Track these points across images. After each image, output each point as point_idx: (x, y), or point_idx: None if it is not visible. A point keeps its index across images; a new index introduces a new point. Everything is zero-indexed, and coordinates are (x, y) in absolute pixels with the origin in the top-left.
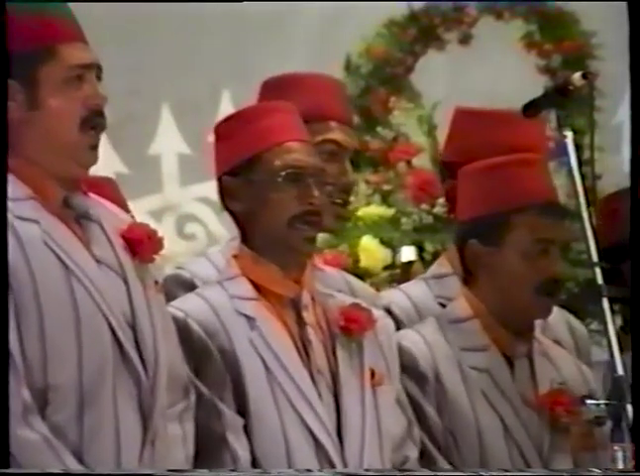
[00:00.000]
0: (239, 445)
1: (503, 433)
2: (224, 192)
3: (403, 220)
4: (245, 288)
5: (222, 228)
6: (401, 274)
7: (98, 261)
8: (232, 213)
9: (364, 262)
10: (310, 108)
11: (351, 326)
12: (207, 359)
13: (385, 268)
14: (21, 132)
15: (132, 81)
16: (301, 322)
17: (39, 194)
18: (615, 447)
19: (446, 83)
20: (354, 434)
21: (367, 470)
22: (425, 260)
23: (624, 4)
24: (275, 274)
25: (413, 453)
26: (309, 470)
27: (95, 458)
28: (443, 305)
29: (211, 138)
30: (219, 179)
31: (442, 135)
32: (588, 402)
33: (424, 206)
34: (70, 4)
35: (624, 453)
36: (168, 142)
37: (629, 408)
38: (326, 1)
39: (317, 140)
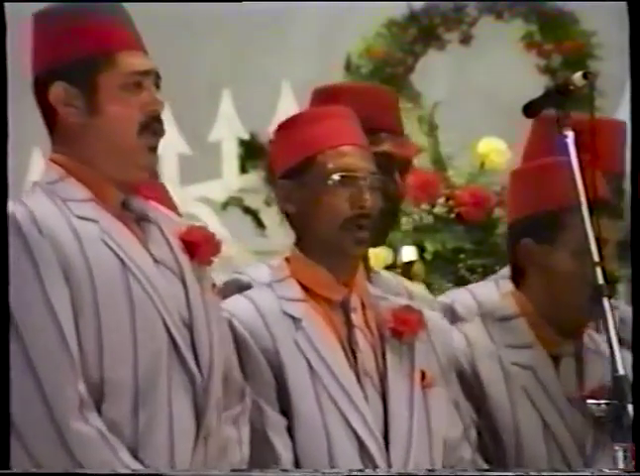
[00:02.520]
0: (281, 445)
1: (543, 432)
2: (279, 195)
3: (403, 220)
4: (293, 289)
5: (222, 228)
6: (402, 274)
7: (156, 260)
8: (287, 216)
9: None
10: (361, 119)
11: (401, 328)
12: (250, 359)
13: (386, 268)
14: (80, 137)
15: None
16: (349, 325)
17: (98, 197)
18: (616, 447)
19: (446, 83)
20: (400, 436)
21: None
22: (425, 260)
23: (624, 4)
24: (324, 277)
25: (468, 455)
26: (361, 470)
27: (149, 454)
28: None
29: (212, 138)
30: (276, 182)
31: (442, 135)
32: (589, 401)
33: (424, 206)
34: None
35: (625, 453)
36: (169, 142)
37: (630, 407)
38: (326, 1)
39: None
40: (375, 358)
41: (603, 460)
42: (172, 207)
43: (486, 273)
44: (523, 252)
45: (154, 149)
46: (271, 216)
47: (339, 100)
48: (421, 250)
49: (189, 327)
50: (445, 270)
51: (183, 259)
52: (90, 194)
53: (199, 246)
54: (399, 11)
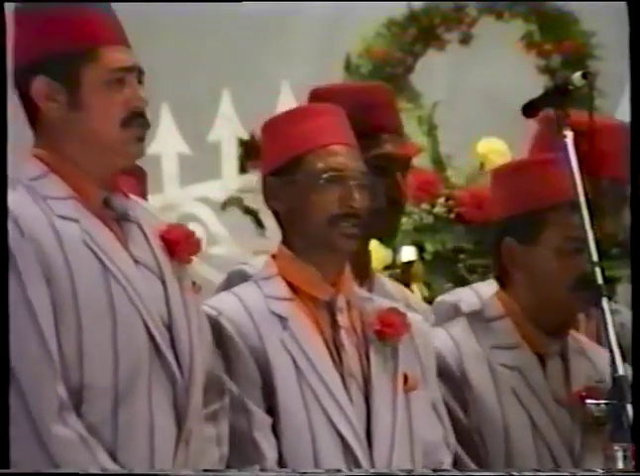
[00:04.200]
0: (266, 444)
1: (532, 432)
2: (267, 192)
3: (403, 220)
4: (280, 287)
5: (222, 228)
6: (401, 274)
7: (136, 261)
8: (275, 213)
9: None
10: (360, 121)
11: (385, 330)
12: (237, 357)
13: (386, 268)
14: (62, 132)
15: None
16: (335, 325)
17: (79, 194)
18: (615, 447)
19: (446, 83)
20: (383, 438)
21: (402, 470)
22: (425, 260)
23: (624, 4)
24: (312, 275)
25: (447, 458)
26: (338, 470)
27: (129, 457)
28: None
29: (212, 138)
30: (263, 179)
31: (442, 135)
32: (588, 401)
33: (424, 206)
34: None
35: (624, 453)
36: (168, 142)
37: (629, 407)
38: (326, 1)
39: (369, 155)
40: (360, 359)
41: (593, 461)
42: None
43: (486, 273)
44: (506, 252)
45: (140, 139)
46: (271, 216)
47: (337, 101)
48: (421, 250)
49: (169, 327)
50: (445, 270)
51: (163, 258)
52: (71, 192)
53: (179, 244)
54: (399, 11)
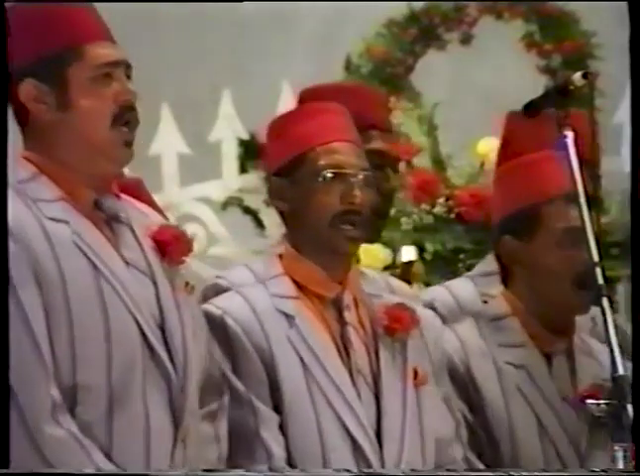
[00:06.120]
0: (274, 442)
1: (538, 430)
2: (271, 192)
3: (403, 220)
4: (286, 286)
5: (222, 228)
6: (401, 274)
7: (127, 263)
8: (280, 213)
9: (364, 262)
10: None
11: (394, 326)
12: (243, 356)
13: (386, 268)
14: (52, 133)
15: (132, 81)
16: (342, 322)
17: (69, 196)
18: (615, 447)
19: (446, 83)
20: (393, 434)
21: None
22: (425, 260)
23: (624, 4)
24: (317, 273)
25: (459, 454)
26: (347, 470)
27: (125, 457)
28: (486, 303)
29: (212, 138)
30: (268, 179)
31: (442, 135)
32: (589, 401)
33: (424, 206)
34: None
35: (624, 453)
36: (168, 142)
37: (629, 407)
38: (326, 1)
39: None
40: (368, 356)
41: (600, 459)
42: (149, 202)
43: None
44: (505, 250)
45: (129, 144)
46: (271, 216)
47: (327, 100)
48: (421, 250)
49: (162, 328)
50: (445, 270)
51: (154, 259)
52: (61, 193)
53: (170, 245)
54: (399, 11)
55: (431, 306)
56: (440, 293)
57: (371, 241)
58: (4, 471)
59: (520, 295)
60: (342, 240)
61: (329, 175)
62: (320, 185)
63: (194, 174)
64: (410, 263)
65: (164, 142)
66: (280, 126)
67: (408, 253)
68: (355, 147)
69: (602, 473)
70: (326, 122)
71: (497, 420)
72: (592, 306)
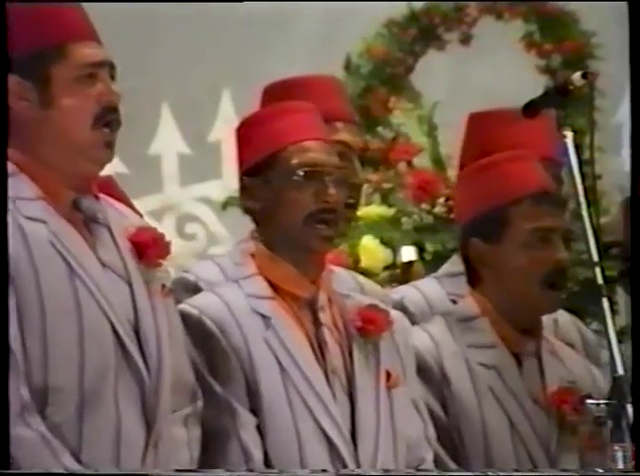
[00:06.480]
0: (251, 444)
1: (510, 431)
2: (243, 192)
3: (403, 220)
4: (261, 286)
5: (222, 228)
6: (401, 274)
7: (103, 264)
8: (251, 213)
9: (364, 262)
10: None
11: (368, 327)
12: (221, 357)
13: (386, 268)
14: (33, 131)
15: (132, 81)
16: (317, 323)
17: (48, 195)
18: (615, 447)
19: (446, 83)
20: (368, 436)
21: (385, 470)
22: (425, 260)
23: (624, 4)
24: (291, 273)
25: (429, 455)
26: (324, 470)
27: (94, 459)
28: (455, 302)
29: (212, 138)
30: (240, 180)
31: (442, 135)
32: (588, 401)
33: (424, 206)
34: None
35: (624, 453)
36: (168, 142)
37: (629, 408)
38: (326, 1)
39: None
40: (343, 357)
41: (567, 461)
42: (125, 201)
43: None
44: (473, 253)
45: (109, 145)
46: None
47: (289, 95)
48: (421, 250)
49: (136, 330)
50: None
51: (131, 262)
52: (40, 193)
53: (147, 248)
54: (399, 11)
55: (401, 305)
56: (409, 291)
57: (341, 235)
58: (4, 471)
59: (489, 295)
60: (316, 239)
61: (303, 173)
62: (293, 184)
63: (194, 174)
64: (410, 263)
65: (164, 142)
66: (250, 126)
67: (408, 253)
68: (327, 145)
69: (602, 473)
70: (297, 121)
71: (471, 421)
72: (559, 308)
